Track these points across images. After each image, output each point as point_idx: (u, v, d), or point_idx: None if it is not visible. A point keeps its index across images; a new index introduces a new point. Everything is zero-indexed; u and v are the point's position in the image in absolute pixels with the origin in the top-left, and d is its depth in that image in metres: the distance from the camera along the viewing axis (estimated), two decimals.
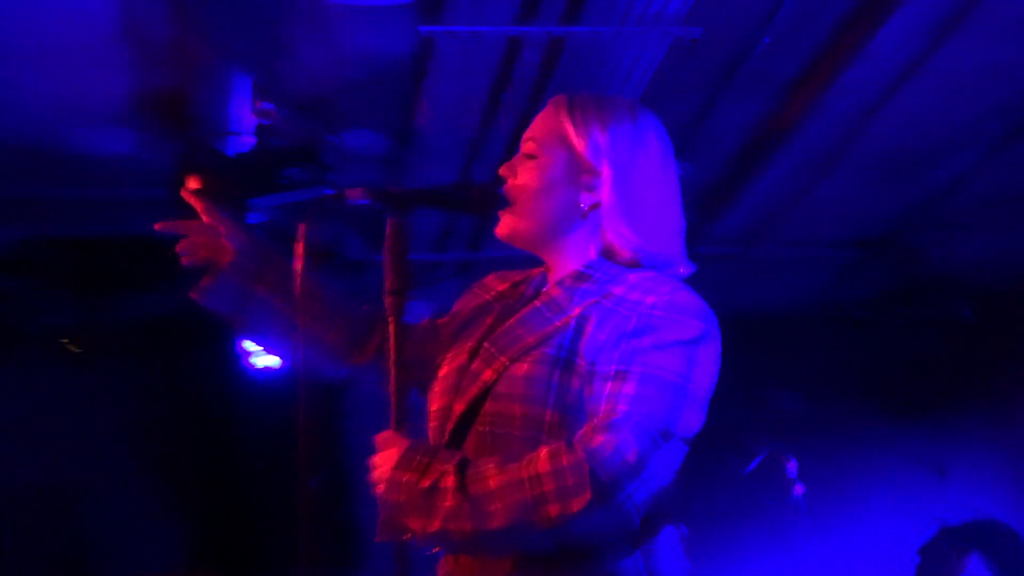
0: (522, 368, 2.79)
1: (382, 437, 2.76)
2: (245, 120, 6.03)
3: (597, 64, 5.68)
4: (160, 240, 6.93)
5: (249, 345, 7.13)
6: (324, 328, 3.19)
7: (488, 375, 2.83)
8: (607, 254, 2.92)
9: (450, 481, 2.63)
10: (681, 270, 2.94)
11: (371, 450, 2.77)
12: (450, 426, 2.85)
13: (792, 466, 7.10)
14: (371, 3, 5.19)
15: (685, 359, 2.71)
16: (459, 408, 2.84)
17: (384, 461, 2.71)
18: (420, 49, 5.69)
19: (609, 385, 2.68)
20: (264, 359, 7.09)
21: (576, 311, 2.82)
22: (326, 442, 7.62)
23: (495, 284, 3.13)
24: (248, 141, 6.18)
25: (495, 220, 3.04)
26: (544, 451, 2.62)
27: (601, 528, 2.60)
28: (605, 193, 2.90)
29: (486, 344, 2.88)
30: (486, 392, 2.81)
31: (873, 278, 8.37)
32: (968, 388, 8.80)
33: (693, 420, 2.72)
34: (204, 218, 3.15)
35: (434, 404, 2.96)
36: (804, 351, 8.98)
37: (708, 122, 6.48)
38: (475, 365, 2.87)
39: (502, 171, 3.01)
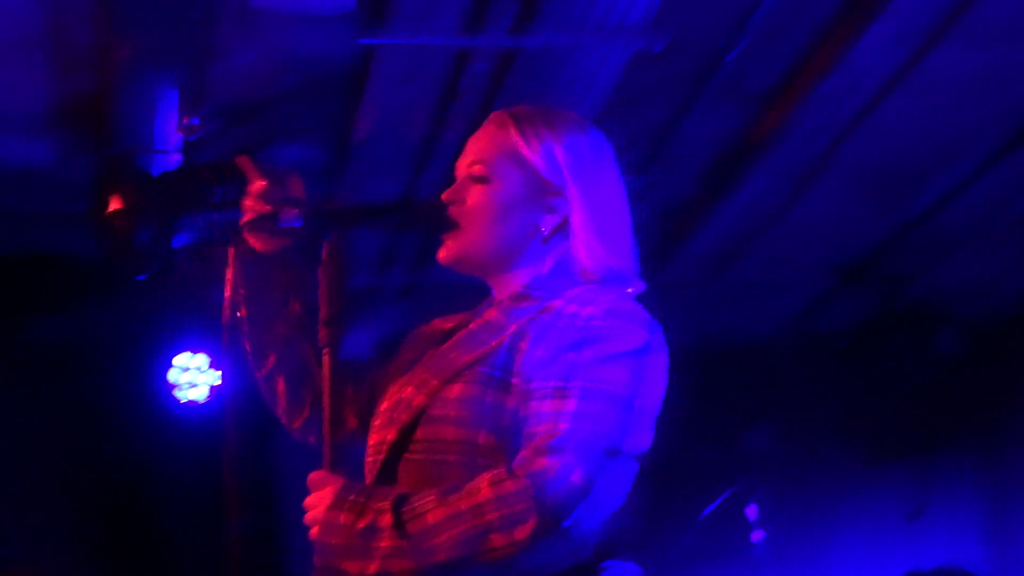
0: (454, 390, 2.80)
1: (315, 477, 2.79)
2: (171, 135, 6.04)
3: (553, 75, 5.73)
4: (76, 258, 6.94)
5: (175, 377, 7.14)
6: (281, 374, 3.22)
7: (420, 400, 2.84)
8: (568, 268, 2.94)
9: (387, 520, 2.65)
10: (630, 289, 2.95)
11: (304, 490, 2.79)
12: (382, 457, 2.87)
13: (752, 510, 7.11)
14: (308, 11, 5.22)
15: (630, 371, 2.72)
16: (391, 437, 2.86)
17: (318, 502, 2.74)
18: (362, 56, 5.72)
19: (548, 403, 2.69)
20: (190, 392, 7.10)
21: (512, 328, 2.84)
22: (255, 482, 7.61)
23: (440, 324, 3.15)
24: (174, 158, 6.19)
25: (439, 243, 3.03)
26: (485, 478, 2.63)
27: (550, 557, 2.62)
28: (574, 211, 2.91)
29: (419, 370, 2.91)
30: (418, 417, 2.83)
31: (851, 305, 8.43)
32: (950, 424, 8.86)
33: (642, 436, 2.73)
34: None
35: (371, 439, 2.97)
36: (777, 383, 9.01)
37: (675, 136, 6.54)
38: (407, 393, 2.89)
39: (446, 196, 3.00)
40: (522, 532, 2.57)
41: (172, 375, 7.13)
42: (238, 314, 3.12)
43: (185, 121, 5.90)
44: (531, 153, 2.95)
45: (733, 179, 6.94)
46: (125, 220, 4.86)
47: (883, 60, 5.92)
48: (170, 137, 6.04)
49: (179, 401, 7.12)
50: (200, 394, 7.10)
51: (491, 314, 2.91)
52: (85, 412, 7.93)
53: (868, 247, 8.00)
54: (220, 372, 6.93)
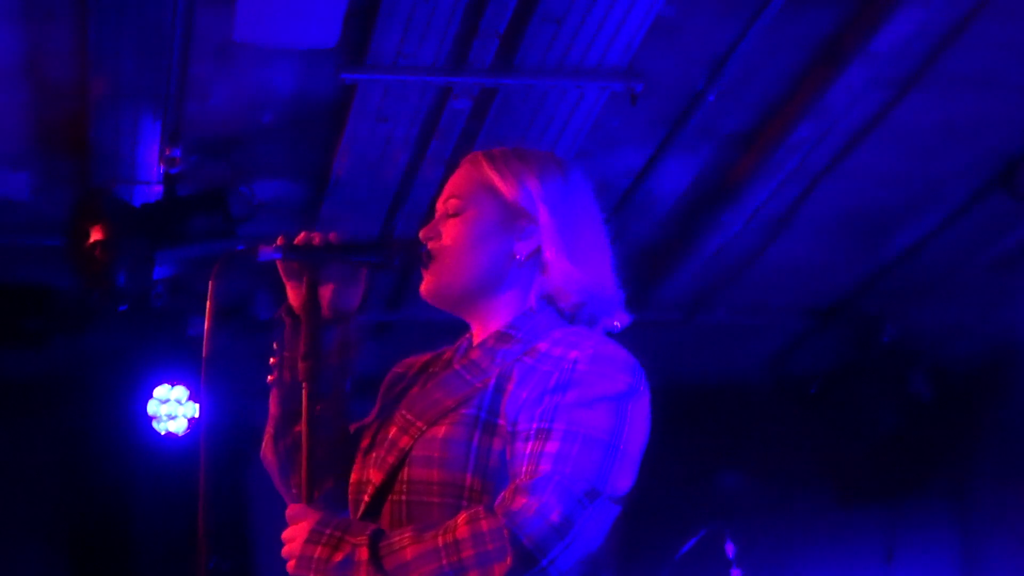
0: (440, 431, 2.83)
1: (293, 510, 2.81)
2: (152, 167, 6.06)
3: (531, 114, 5.77)
4: (54, 290, 6.94)
5: (154, 409, 7.13)
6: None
7: (405, 441, 2.86)
8: (549, 301, 2.96)
9: (363, 554, 2.67)
10: (616, 323, 2.98)
11: (281, 524, 2.81)
12: (366, 498, 2.89)
13: (730, 548, 7.15)
14: (290, 46, 5.25)
15: (612, 415, 2.75)
16: (376, 478, 2.89)
17: (295, 535, 2.77)
18: (342, 94, 5.76)
19: (531, 444, 2.72)
20: (169, 424, 7.09)
21: (497, 371, 2.87)
22: (231, 515, 7.61)
23: (416, 361, 3.16)
24: (155, 190, 6.21)
25: (419, 279, 3.06)
26: (462, 516, 2.67)
27: None
28: (546, 235, 2.94)
29: (403, 411, 2.94)
30: (403, 459, 2.85)
31: (825, 349, 8.46)
32: (922, 468, 8.88)
33: (622, 479, 2.75)
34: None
35: (352, 477, 3.00)
36: (750, 425, 9.02)
37: (651, 178, 6.57)
38: (392, 433, 2.91)
39: (423, 234, 3.03)
40: (498, 570, 2.60)
41: (151, 407, 7.12)
42: (273, 377, 3.13)
43: (167, 153, 5.92)
44: (503, 182, 2.99)
45: (708, 221, 6.97)
46: (106, 251, 4.88)
47: (857, 105, 5.97)
48: (152, 168, 6.06)
49: (158, 433, 7.11)
50: (179, 426, 7.09)
51: (475, 354, 2.93)
52: (63, 444, 7.93)
53: (841, 291, 8.04)
54: (199, 405, 6.92)
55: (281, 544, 2.80)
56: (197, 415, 6.96)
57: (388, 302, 7.54)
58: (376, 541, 2.70)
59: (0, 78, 5.65)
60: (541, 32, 5.26)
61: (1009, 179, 6.72)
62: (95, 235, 5.93)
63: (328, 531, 2.74)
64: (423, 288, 3.02)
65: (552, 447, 2.70)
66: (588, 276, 2.94)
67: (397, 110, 5.72)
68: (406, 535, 2.69)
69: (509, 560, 2.59)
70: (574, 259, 2.94)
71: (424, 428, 2.86)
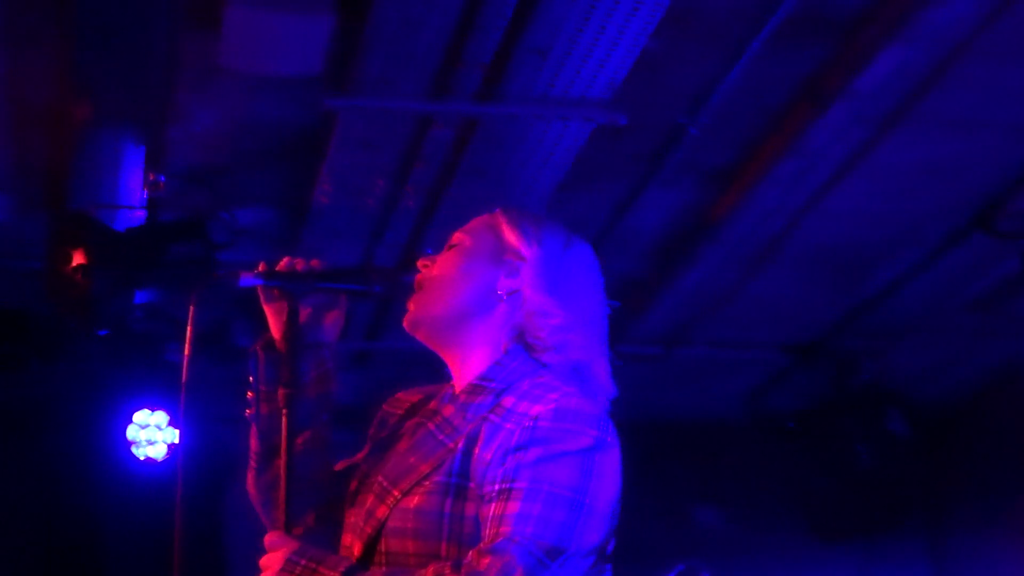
0: (412, 501, 2.82)
1: (271, 538, 2.81)
2: (134, 192, 6.04)
3: (514, 144, 5.77)
4: (32, 314, 6.91)
5: (133, 434, 7.10)
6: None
7: (381, 511, 2.86)
8: (519, 341, 2.96)
9: None
10: (603, 379, 2.95)
11: (257, 551, 2.81)
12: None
13: None
14: (273, 72, 5.25)
15: (576, 470, 2.73)
16: (356, 550, 2.89)
17: (271, 564, 2.76)
18: (323, 121, 5.75)
19: (494, 506, 2.71)
20: (148, 449, 7.06)
21: (467, 429, 2.86)
22: (208, 542, 7.59)
23: (407, 397, 3.16)
24: (136, 215, 6.19)
25: (400, 309, 3.07)
26: (430, 570, 2.67)
27: None
28: (529, 273, 2.96)
29: (380, 477, 2.93)
30: (380, 530, 2.85)
31: (803, 386, 8.47)
32: (897, 506, 8.88)
33: (590, 534, 2.73)
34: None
35: (344, 539, 3.00)
36: (727, 463, 9.03)
37: (631, 211, 6.58)
38: (369, 502, 2.91)
39: (421, 263, 3.07)
40: None
41: (131, 432, 7.10)
42: (251, 411, 3.12)
43: (151, 178, 5.91)
44: (508, 226, 3.03)
45: (687, 257, 6.98)
46: (87, 275, 4.86)
47: (838, 144, 5.99)
48: (133, 193, 6.05)
49: (137, 458, 7.08)
50: (158, 452, 7.06)
51: (448, 411, 2.93)
52: (40, 470, 7.89)
53: (820, 329, 8.05)
54: (178, 430, 6.90)
55: (257, 570, 2.79)
56: (176, 441, 6.93)
57: (368, 331, 7.52)
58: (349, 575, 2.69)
59: None
60: (526, 63, 5.26)
61: (988, 220, 6.74)
62: (76, 259, 5.91)
63: (303, 561, 2.73)
64: (406, 318, 3.03)
65: (513, 507, 2.70)
66: (566, 316, 2.93)
67: (379, 138, 5.72)
68: (377, 573, 2.71)
69: None
70: (555, 299, 2.94)
71: (399, 497, 2.85)
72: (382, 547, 2.84)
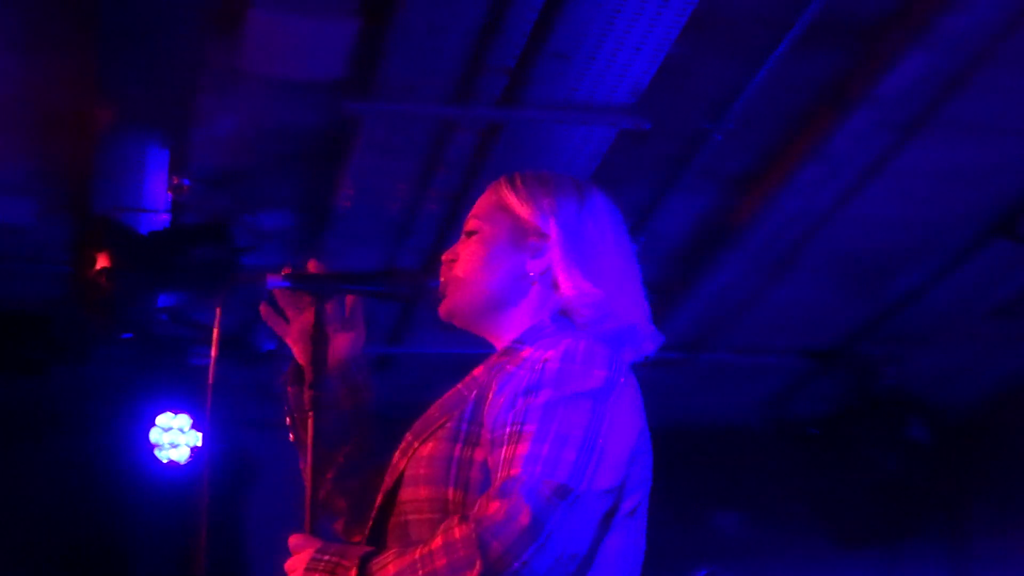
0: (427, 448, 2.82)
1: (295, 540, 2.81)
2: (157, 196, 6.06)
3: (537, 150, 5.77)
4: (57, 317, 6.93)
5: (156, 437, 7.12)
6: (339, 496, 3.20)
7: (402, 463, 2.86)
8: (562, 317, 2.93)
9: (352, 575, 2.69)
10: (647, 345, 2.96)
11: (279, 552, 2.81)
12: (369, 523, 2.89)
13: None
14: (296, 77, 5.26)
15: (586, 411, 2.70)
16: (377, 501, 2.88)
17: (296, 566, 2.77)
18: (347, 126, 5.76)
19: (504, 449, 2.69)
20: (171, 452, 7.07)
21: (484, 379, 2.86)
22: (230, 544, 7.60)
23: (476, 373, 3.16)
24: (160, 218, 6.21)
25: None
26: (439, 531, 2.65)
27: None
28: (556, 253, 2.93)
29: (408, 436, 2.93)
30: (399, 480, 2.85)
31: (824, 392, 8.46)
32: (919, 512, 8.87)
33: (602, 475, 2.70)
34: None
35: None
36: (749, 468, 9.02)
37: (654, 217, 6.58)
38: (395, 457, 2.91)
39: (444, 257, 3.05)
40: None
41: (154, 435, 7.11)
42: (293, 438, 3.14)
43: (175, 181, 5.92)
44: (517, 201, 3.00)
45: (710, 262, 6.98)
46: (111, 279, 4.87)
47: (861, 150, 5.98)
48: (157, 197, 6.06)
49: (160, 461, 7.09)
50: (181, 455, 7.07)
51: (477, 370, 2.93)
52: (64, 473, 7.91)
53: (841, 335, 8.04)
54: (201, 434, 6.91)
55: (279, 571, 2.80)
56: (199, 443, 6.94)
57: (390, 336, 7.53)
58: (365, 562, 2.69)
59: (7, 105, 5.65)
60: (550, 68, 5.27)
61: (1010, 226, 6.73)
62: (100, 262, 5.93)
63: (326, 558, 2.74)
64: (440, 308, 3.03)
65: (523, 449, 2.66)
66: (603, 292, 2.91)
67: (403, 142, 5.72)
68: (391, 552, 2.69)
69: (478, 566, 2.56)
70: (588, 275, 2.91)
71: (417, 447, 2.85)
72: (401, 496, 2.84)
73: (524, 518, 2.58)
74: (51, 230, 6.53)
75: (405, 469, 2.85)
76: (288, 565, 2.78)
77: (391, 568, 2.65)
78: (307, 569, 2.73)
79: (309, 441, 2.90)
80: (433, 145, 5.78)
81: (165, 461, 7.07)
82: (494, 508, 2.61)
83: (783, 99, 5.76)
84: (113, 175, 5.93)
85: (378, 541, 2.86)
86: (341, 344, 3.15)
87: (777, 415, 8.80)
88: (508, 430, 2.71)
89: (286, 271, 3.09)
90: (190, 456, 7.05)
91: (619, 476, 2.75)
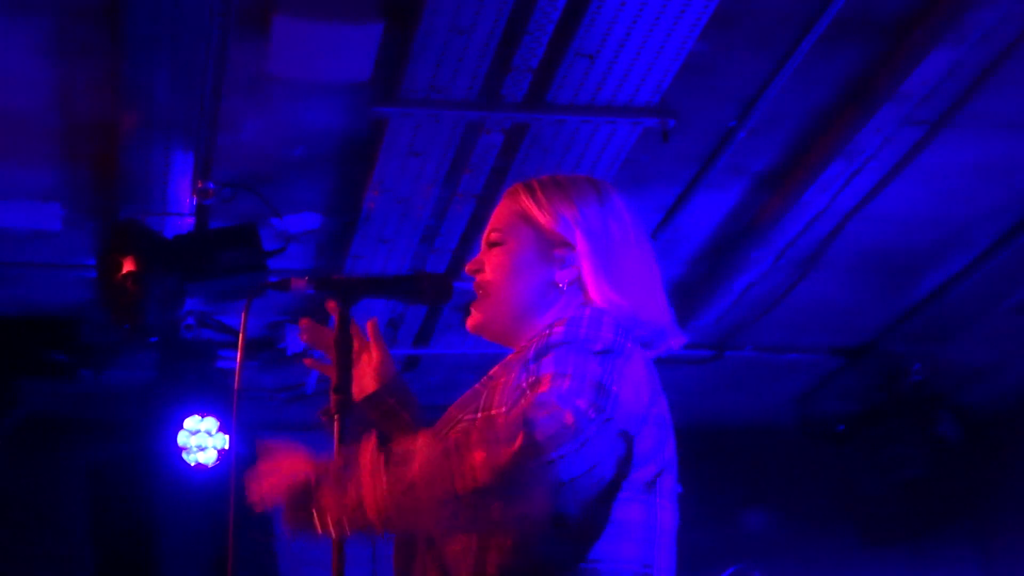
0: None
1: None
2: (183, 200, 6.06)
3: (563, 149, 5.77)
4: (83, 321, 6.93)
5: (184, 440, 7.13)
6: None
7: None
8: None
9: (368, 448, 2.64)
10: (673, 342, 2.97)
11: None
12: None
13: None
14: (322, 80, 5.26)
15: (595, 362, 2.69)
16: None
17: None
18: (372, 129, 5.76)
19: (525, 398, 2.65)
20: (199, 455, 7.08)
21: (497, 373, 2.88)
22: (258, 548, 7.60)
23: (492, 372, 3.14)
24: (186, 222, 6.21)
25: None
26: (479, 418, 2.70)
27: (526, 499, 2.55)
28: (584, 263, 2.94)
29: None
30: None
31: (852, 389, 8.43)
32: (951, 511, 8.83)
33: (620, 415, 2.67)
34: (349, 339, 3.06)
35: None
36: (776, 466, 9.00)
37: (680, 215, 6.56)
38: None
39: (468, 269, 3.05)
40: (504, 452, 2.52)
41: (181, 438, 7.11)
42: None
43: (199, 185, 5.93)
44: (539, 211, 3.00)
45: (735, 260, 6.96)
46: (137, 283, 4.86)
47: (887, 146, 5.95)
48: (183, 201, 6.07)
49: (188, 464, 7.10)
50: (208, 457, 7.07)
51: (494, 370, 2.92)
52: (92, 476, 7.92)
53: (869, 332, 8.01)
54: (228, 436, 6.91)
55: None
56: (227, 446, 6.95)
57: (416, 337, 7.52)
58: (383, 440, 2.67)
59: (33, 111, 5.66)
60: (574, 68, 5.27)
61: None
62: (127, 267, 5.94)
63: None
64: (469, 322, 3.03)
65: (545, 385, 2.64)
66: (629, 300, 2.91)
67: (429, 144, 5.73)
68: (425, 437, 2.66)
69: (518, 442, 2.52)
70: (613, 283, 2.92)
71: None
72: None
73: (567, 418, 2.56)
74: (77, 235, 6.54)
75: None
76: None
77: (419, 441, 2.62)
78: (318, 509, 2.66)
79: (336, 444, 2.90)
80: (458, 146, 5.78)
81: (193, 464, 7.07)
82: (533, 404, 2.59)
83: (808, 96, 5.74)
84: (139, 180, 5.94)
85: (408, 543, 2.85)
86: (366, 372, 3.13)
87: (804, 413, 8.77)
88: (525, 385, 2.71)
89: (312, 277, 3.08)
90: (218, 459, 7.05)
91: (632, 428, 2.73)
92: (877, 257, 7.10)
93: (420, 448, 2.60)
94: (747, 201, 6.57)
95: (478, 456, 2.54)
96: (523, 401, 2.65)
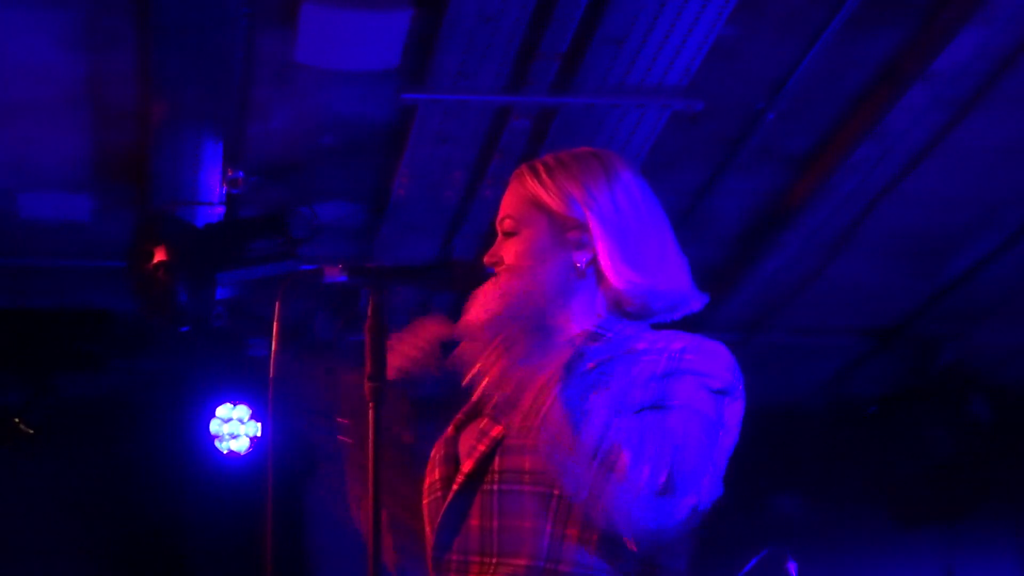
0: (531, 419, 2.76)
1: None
2: (213, 189, 6.08)
3: (591, 134, 5.76)
4: (116, 312, 6.96)
5: (216, 428, 7.15)
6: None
7: (497, 431, 2.84)
8: (615, 307, 2.94)
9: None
10: (694, 304, 2.97)
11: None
12: (455, 487, 2.85)
13: (792, 567, 7.13)
14: (350, 68, 5.27)
15: (719, 405, 2.75)
16: (467, 467, 2.85)
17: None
18: (401, 116, 5.77)
19: (647, 417, 2.70)
20: (231, 443, 7.10)
21: (590, 365, 2.83)
22: (291, 536, 7.63)
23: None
24: (217, 211, 6.23)
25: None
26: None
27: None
28: (598, 244, 2.92)
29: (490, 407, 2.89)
30: (495, 448, 2.83)
31: (884, 371, 8.42)
32: (984, 492, 8.82)
33: (707, 480, 2.74)
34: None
35: (434, 474, 2.96)
36: (808, 449, 8.99)
37: (709, 198, 6.56)
38: (483, 424, 2.89)
39: (487, 261, 3.02)
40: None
41: (214, 426, 7.13)
42: (339, 440, 3.13)
43: (229, 174, 5.94)
44: (548, 195, 2.97)
45: (766, 243, 6.95)
46: (168, 273, 4.87)
47: (918, 126, 5.94)
48: (213, 190, 6.08)
49: (220, 452, 7.12)
50: (241, 445, 7.10)
51: (567, 350, 2.89)
52: (125, 466, 7.95)
53: (900, 313, 7.99)
54: (260, 424, 6.93)
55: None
56: (259, 434, 6.97)
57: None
58: None
59: (62, 103, 5.68)
60: (602, 52, 5.26)
61: None
62: (157, 256, 5.95)
63: None
64: None
65: (672, 421, 2.70)
66: (646, 275, 2.91)
67: (457, 131, 5.73)
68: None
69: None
70: (629, 260, 2.91)
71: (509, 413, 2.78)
72: (496, 466, 2.82)
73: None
74: (108, 226, 6.56)
75: (504, 439, 2.82)
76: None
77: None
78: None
79: (371, 433, 2.89)
80: (488, 132, 5.79)
81: (225, 452, 7.09)
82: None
83: (838, 77, 5.73)
84: (169, 170, 5.95)
85: (464, 510, 2.84)
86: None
87: (836, 395, 8.76)
88: (650, 404, 2.72)
89: (344, 264, 3.07)
90: (250, 447, 7.08)
91: (719, 479, 2.78)
92: (908, 238, 7.08)
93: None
94: (777, 184, 6.56)
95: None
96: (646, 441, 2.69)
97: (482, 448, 2.84)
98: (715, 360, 2.79)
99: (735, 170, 6.31)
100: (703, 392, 2.74)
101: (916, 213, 6.80)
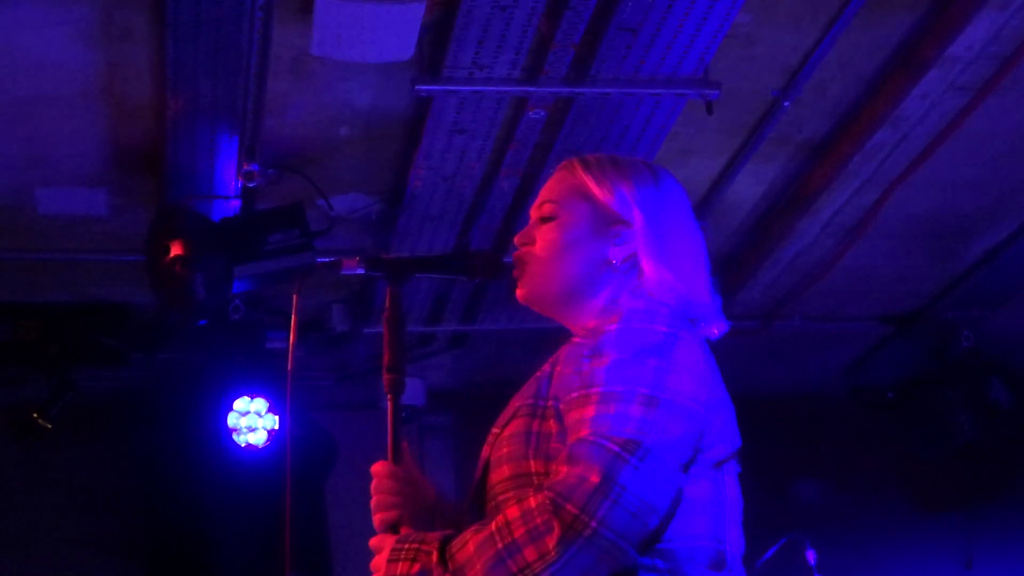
0: (508, 430, 2.85)
1: (374, 541, 2.85)
2: (229, 182, 6.09)
3: (606, 124, 5.77)
4: (133, 305, 6.98)
5: (234, 421, 7.15)
6: None
7: (485, 451, 2.90)
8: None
9: (434, 558, 2.70)
10: (715, 330, 2.96)
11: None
12: (467, 517, 2.90)
13: (811, 555, 7.15)
14: (366, 60, 5.27)
15: (650, 369, 2.72)
16: (470, 494, 2.92)
17: (379, 563, 2.79)
18: (417, 108, 5.77)
19: (574, 413, 2.71)
20: (249, 436, 7.10)
21: (556, 360, 2.89)
22: (309, 529, 7.63)
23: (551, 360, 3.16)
24: (233, 205, 6.23)
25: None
26: (513, 502, 2.69)
27: (587, 565, 2.60)
28: (641, 241, 2.94)
29: (493, 428, 2.95)
30: (486, 467, 2.89)
31: (902, 357, 8.40)
32: (1002, 476, 8.81)
33: (673, 428, 2.69)
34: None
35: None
36: (827, 436, 8.98)
37: (726, 186, 6.55)
38: (483, 451, 2.94)
39: (517, 240, 3.04)
40: (549, 542, 2.59)
41: (231, 419, 7.14)
42: None
43: (245, 167, 5.95)
44: (598, 187, 3.00)
45: (783, 230, 6.95)
46: (185, 266, 4.89)
47: (934, 112, 5.93)
48: (229, 184, 6.09)
49: (238, 445, 7.12)
50: (259, 438, 7.09)
51: (553, 358, 2.93)
52: (143, 460, 7.97)
53: (918, 299, 7.98)
54: (278, 417, 6.93)
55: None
56: (277, 427, 6.97)
57: (464, 314, 7.53)
58: (445, 543, 2.72)
59: (78, 97, 5.69)
60: (617, 42, 5.26)
61: None
62: (174, 250, 5.96)
63: (407, 546, 2.77)
64: (518, 293, 3.03)
65: (590, 411, 2.68)
66: (682, 282, 2.92)
67: (473, 122, 5.73)
68: (469, 530, 2.71)
69: (557, 530, 2.58)
70: (668, 264, 2.92)
71: (499, 433, 2.89)
72: (489, 481, 2.87)
73: (594, 476, 2.60)
74: (125, 220, 6.57)
75: (491, 455, 2.88)
76: (373, 565, 2.80)
77: (470, 545, 2.67)
78: (390, 560, 2.75)
79: (390, 423, 2.91)
80: (504, 123, 5.79)
81: (243, 445, 7.09)
82: (564, 472, 2.63)
83: (854, 63, 5.72)
84: (185, 163, 5.97)
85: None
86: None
87: (855, 382, 8.75)
88: (576, 395, 2.73)
89: (362, 257, 3.08)
90: (268, 439, 7.08)
91: (694, 426, 2.75)
92: (925, 224, 7.07)
93: (474, 543, 2.68)
94: (793, 171, 6.56)
95: (528, 554, 2.61)
96: (570, 439, 2.69)
97: (477, 474, 2.92)
98: (641, 322, 2.79)
99: (751, 158, 6.30)
100: (626, 364, 2.73)
101: (933, 198, 6.79)
